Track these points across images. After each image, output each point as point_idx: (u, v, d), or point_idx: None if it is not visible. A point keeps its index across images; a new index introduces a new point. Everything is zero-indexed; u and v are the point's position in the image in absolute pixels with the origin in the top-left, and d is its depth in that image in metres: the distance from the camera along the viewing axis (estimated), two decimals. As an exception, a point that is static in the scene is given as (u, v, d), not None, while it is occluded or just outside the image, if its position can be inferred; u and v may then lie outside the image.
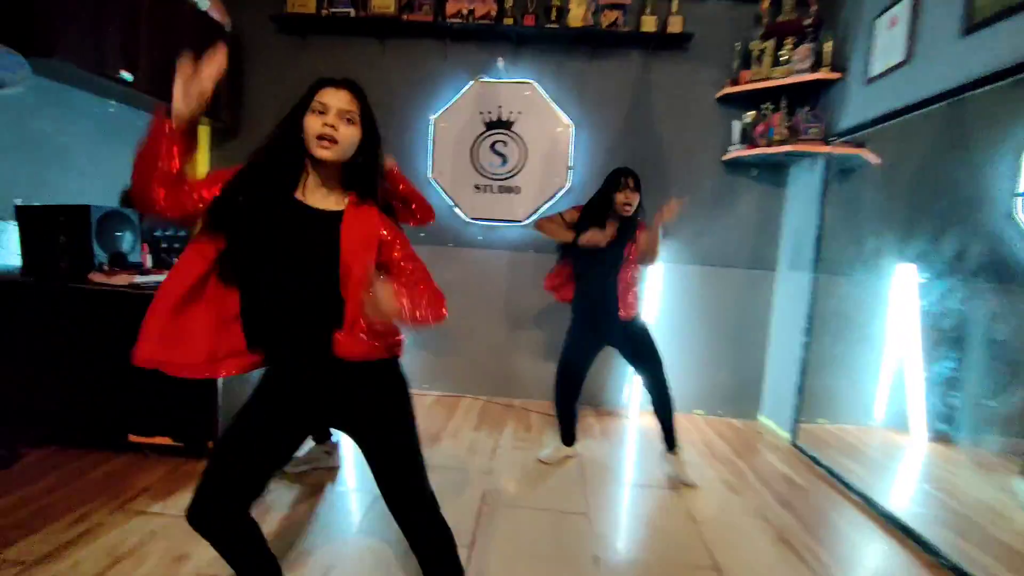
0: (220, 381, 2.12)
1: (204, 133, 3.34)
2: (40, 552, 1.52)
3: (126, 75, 2.37)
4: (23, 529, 1.62)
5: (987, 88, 1.85)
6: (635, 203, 2.22)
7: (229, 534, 1.10)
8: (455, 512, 1.89)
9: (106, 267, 2.14)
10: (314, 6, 3.15)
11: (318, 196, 1.15)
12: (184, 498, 1.84)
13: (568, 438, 2.48)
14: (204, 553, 1.58)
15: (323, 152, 1.09)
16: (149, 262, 2.40)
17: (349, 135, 1.12)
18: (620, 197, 2.20)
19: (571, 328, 2.41)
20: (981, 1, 1.86)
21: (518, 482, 2.22)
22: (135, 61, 2.43)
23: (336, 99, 1.12)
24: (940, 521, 2.11)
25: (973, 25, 1.89)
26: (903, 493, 2.43)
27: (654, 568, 1.72)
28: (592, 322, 2.34)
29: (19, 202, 2.21)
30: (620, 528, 1.99)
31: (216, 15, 2.99)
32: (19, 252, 2.18)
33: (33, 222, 2.12)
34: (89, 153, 2.59)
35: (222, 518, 1.08)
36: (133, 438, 2.12)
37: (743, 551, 1.85)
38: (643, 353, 2.31)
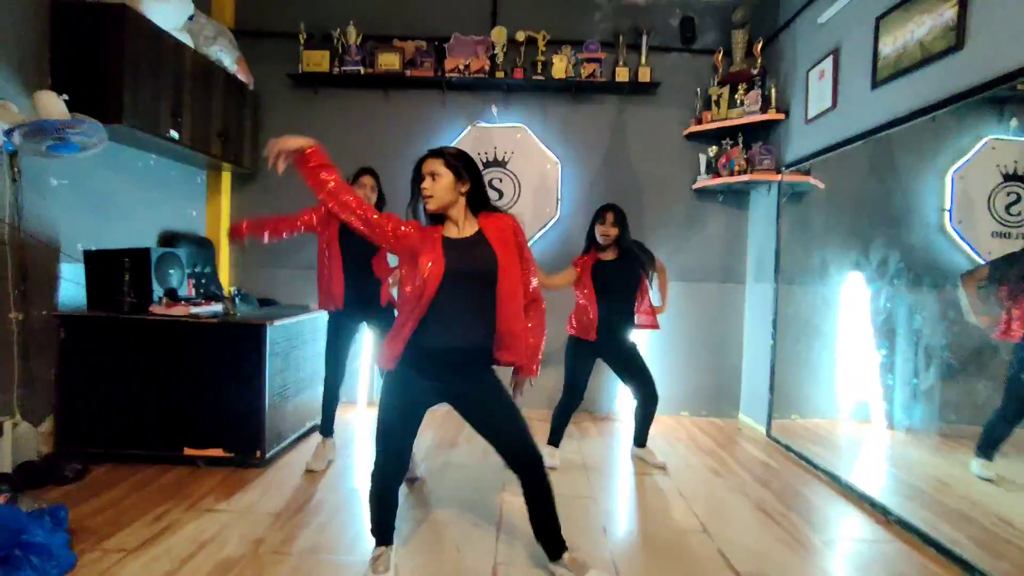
0: (267, 398, 2.41)
1: (227, 178, 3.68)
2: (134, 542, 1.78)
3: (174, 134, 2.72)
4: (113, 526, 1.87)
5: (888, 132, 2.31)
6: (612, 235, 2.52)
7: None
8: (481, 502, 2.20)
9: (165, 300, 2.44)
10: (327, 65, 3.56)
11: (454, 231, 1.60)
12: (243, 499, 2.14)
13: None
14: (275, 536, 1.86)
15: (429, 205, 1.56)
16: (193, 294, 2.70)
17: (439, 186, 1.54)
18: (599, 229, 2.56)
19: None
20: (883, 63, 2.35)
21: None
22: (179, 120, 2.79)
23: (425, 167, 1.57)
24: (892, 490, 2.48)
25: (878, 81, 2.38)
26: (863, 470, 2.81)
27: (652, 533, 2.05)
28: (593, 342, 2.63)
29: (82, 247, 2.51)
30: (621, 506, 2.32)
31: (242, 76, 3.38)
32: (84, 290, 2.47)
33: (99, 263, 2.42)
34: (130, 201, 2.91)
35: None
36: (188, 451, 2.39)
37: (727, 518, 2.19)
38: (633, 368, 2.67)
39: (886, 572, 1.83)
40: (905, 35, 2.21)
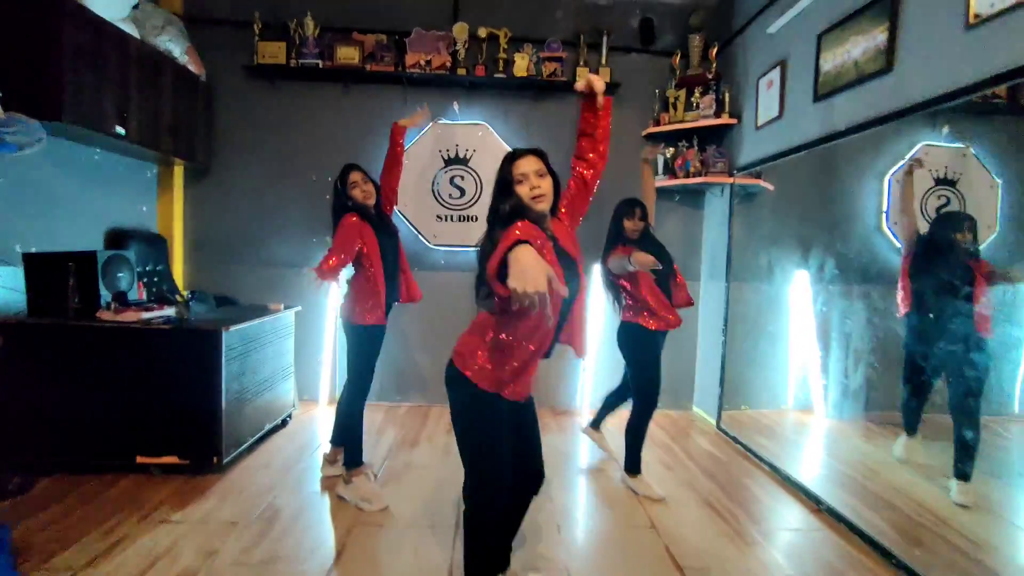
0: (223, 403, 2.39)
1: (179, 172, 3.55)
2: (83, 560, 1.75)
3: (120, 130, 2.61)
4: (60, 543, 1.84)
5: (827, 145, 2.44)
6: (640, 228, 2.50)
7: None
8: (440, 500, 2.25)
9: (114, 306, 2.37)
10: (283, 57, 3.45)
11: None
12: (199, 508, 2.12)
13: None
14: (232, 547, 1.87)
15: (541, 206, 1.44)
16: (144, 297, 2.63)
17: (548, 185, 1.46)
18: (630, 224, 2.49)
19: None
20: (824, 78, 2.46)
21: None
22: (126, 116, 2.67)
23: (528, 164, 1.46)
24: (825, 478, 2.67)
25: (820, 95, 2.49)
26: (800, 460, 3.00)
27: (604, 530, 2.15)
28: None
29: (20, 249, 2.40)
30: (576, 504, 2.41)
31: (193, 67, 3.25)
32: (23, 295, 2.36)
33: (41, 267, 2.32)
34: (74, 198, 2.78)
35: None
36: (141, 459, 2.34)
37: (674, 513, 2.31)
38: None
39: (816, 561, 1.99)
40: (843, 54, 2.32)
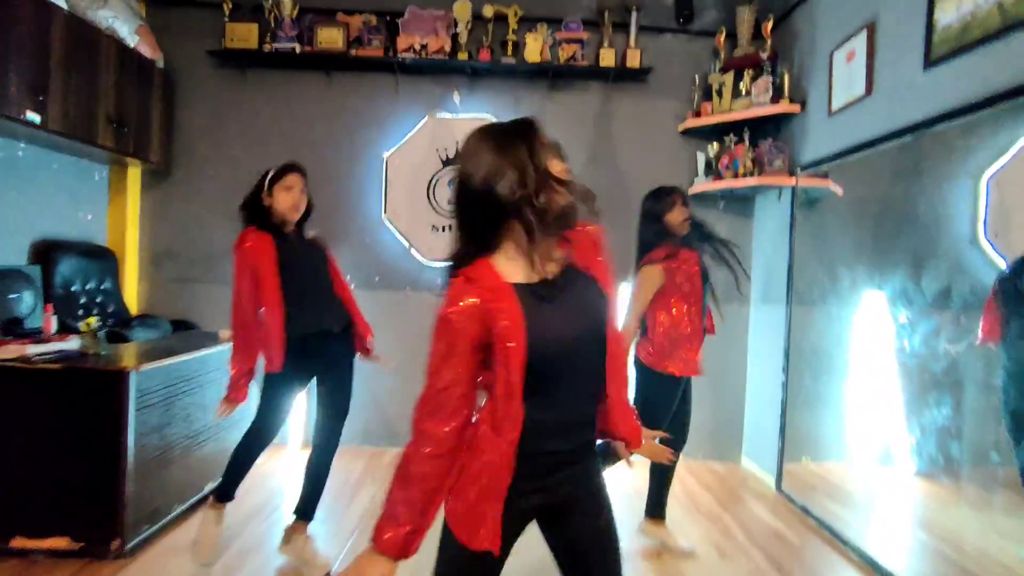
0: (130, 466, 1.80)
1: (134, 175, 3.05)
2: None
3: (33, 117, 2.10)
4: None
5: (950, 124, 1.79)
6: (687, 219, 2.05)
7: None
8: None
9: (-7, 337, 1.82)
10: (255, 41, 2.95)
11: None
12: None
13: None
14: None
15: None
16: (54, 326, 2.08)
17: None
18: (678, 215, 2.03)
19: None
20: (941, 35, 1.81)
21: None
22: (43, 100, 2.17)
23: None
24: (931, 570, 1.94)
25: (933, 60, 1.85)
26: (900, 543, 2.27)
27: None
28: None
29: None
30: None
31: (145, 50, 2.76)
32: None
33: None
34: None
35: None
36: (19, 542, 1.76)
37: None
38: None
39: None
40: (975, -3, 1.67)
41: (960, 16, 1.74)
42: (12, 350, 1.77)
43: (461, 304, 0.84)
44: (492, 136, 0.88)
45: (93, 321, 1.94)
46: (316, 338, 1.82)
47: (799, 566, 2.06)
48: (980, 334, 1.99)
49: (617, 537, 1.00)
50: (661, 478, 2.13)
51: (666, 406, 2.01)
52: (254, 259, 1.74)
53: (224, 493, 1.86)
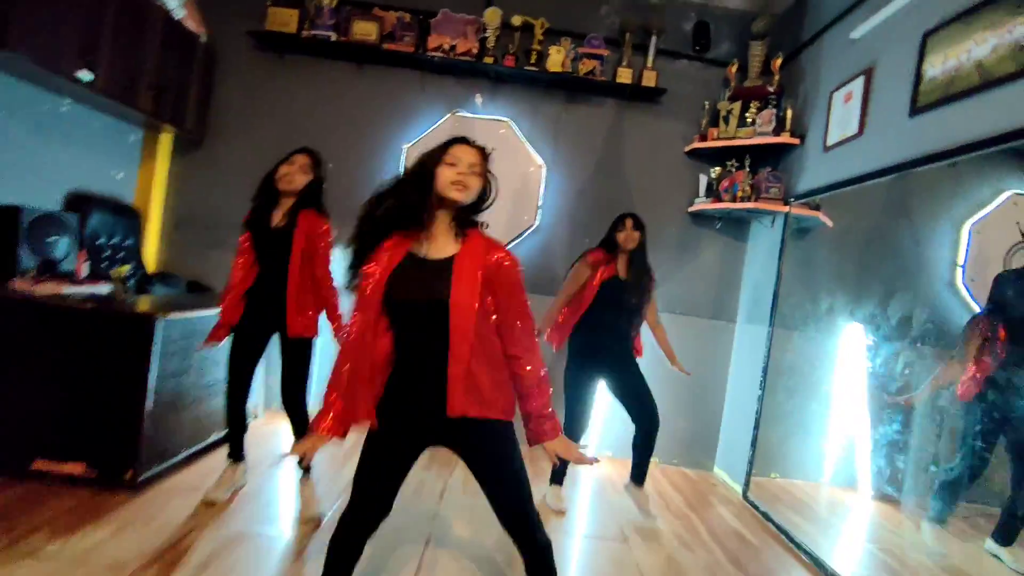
0: (149, 406, 1.95)
1: (166, 140, 3.21)
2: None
3: (84, 75, 2.26)
4: None
5: (929, 167, 1.97)
6: (636, 239, 2.37)
7: (354, 556, 1.24)
8: (398, 546, 1.78)
9: (32, 274, 1.97)
10: (295, 26, 3.12)
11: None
12: (87, 539, 1.67)
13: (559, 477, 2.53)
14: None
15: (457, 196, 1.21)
16: (85, 271, 2.23)
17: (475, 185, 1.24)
18: (620, 236, 2.37)
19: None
20: (927, 86, 1.99)
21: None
22: (95, 61, 2.33)
23: (467, 154, 1.23)
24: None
25: (919, 107, 2.02)
26: (851, 554, 2.43)
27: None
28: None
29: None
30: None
31: (191, 25, 2.93)
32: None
33: (-47, 220, 1.95)
34: (31, 150, 2.43)
35: (359, 543, 1.23)
36: (39, 464, 1.91)
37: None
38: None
39: None
40: (960, 54, 1.85)
41: (945, 70, 1.92)
42: (49, 288, 1.91)
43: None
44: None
45: (125, 269, 2.09)
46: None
47: (755, 562, 2.21)
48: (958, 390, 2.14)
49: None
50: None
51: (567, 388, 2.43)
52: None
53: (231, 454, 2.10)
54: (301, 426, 2.03)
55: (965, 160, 1.85)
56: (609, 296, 2.35)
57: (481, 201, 1.27)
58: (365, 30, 3.15)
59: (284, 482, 2.30)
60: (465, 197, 1.21)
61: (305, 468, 2.05)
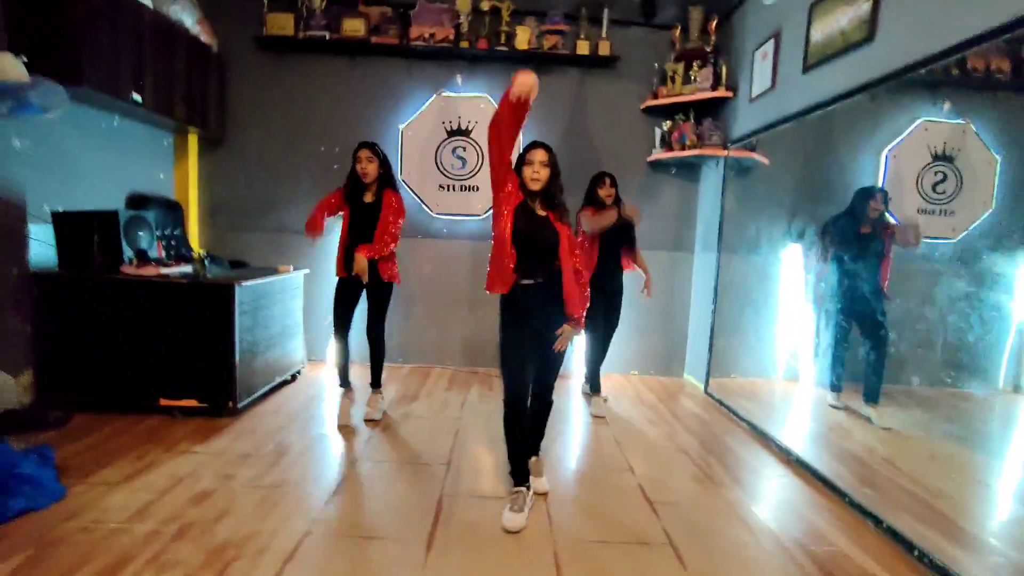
0: (237, 354, 2.59)
1: (193, 141, 3.71)
2: (117, 477, 1.98)
3: (137, 97, 2.76)
4: (96, 464, 2.06)
5: (819, 112, 2.52)
6: (613, 195, 2.98)
7: (523, 428, 1.94)
8: (435, 443, 2.46)
9: (135, 262, 2.56)
10: (292, 29, 3.57)
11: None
12: (217, 443, 2.34)
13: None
14: (246, 473, 2.08)
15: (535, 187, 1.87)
16: (163, 256, 2.82)
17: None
18: (601, 192, 2.96)
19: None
20: (812, 48, 2.53)
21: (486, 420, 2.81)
22: (142, 83, 2.82)
23: (540, 155, 1.85)
24: (799, 436, 2.82)
25: (808, 66, 2.57)
26: (781, 422, 3.15)
27: (588, 473, 2.33)
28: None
29: (48, 208, 2.59)
30: (565, 450, 2.59)
31: (205, 38, 3.38)
32: (54, 249, 2.56)
33: (68, 225, 2.52)
34: (96, 162, 2.96)
35: (523, 417, 1.92)
36: (164, 402, 2.56)
37: (652, 459, 2.49)
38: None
39: (776, 499, 2.15)
40: (831, 24, 2.38)
41: (823, 35, 2.46)
42: (151, 270, 2.51)
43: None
44: None
45: (200, 252, 2.67)
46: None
47: (706, 431, 2.92)
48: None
49: None
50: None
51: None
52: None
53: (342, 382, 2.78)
54: (379, 352, 2.77)
55: (883, 92, 2.28)
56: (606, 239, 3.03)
57: (557, 177, 1.88)
58: (354, 27, 3.60)
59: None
60: (539, 186, 1.83)
61: (345, 384, 2.74)
